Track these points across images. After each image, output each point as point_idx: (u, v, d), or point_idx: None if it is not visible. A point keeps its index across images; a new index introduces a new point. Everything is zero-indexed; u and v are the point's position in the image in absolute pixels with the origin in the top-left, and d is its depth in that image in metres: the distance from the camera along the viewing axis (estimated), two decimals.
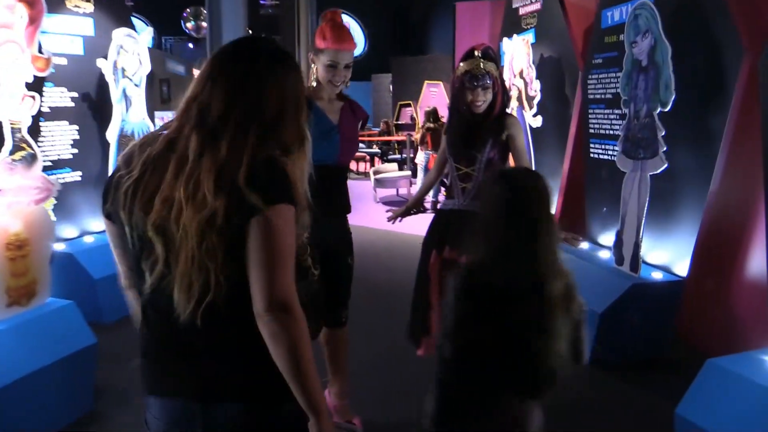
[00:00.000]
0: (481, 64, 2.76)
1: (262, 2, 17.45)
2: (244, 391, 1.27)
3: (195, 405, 1.26)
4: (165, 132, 1.28)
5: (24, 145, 2.97)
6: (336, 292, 2.60)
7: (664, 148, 3.27)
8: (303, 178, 1.30)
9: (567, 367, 1.60)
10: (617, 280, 3.51)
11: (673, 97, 3.20)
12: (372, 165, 12.64)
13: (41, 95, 3.79)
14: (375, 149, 13.44)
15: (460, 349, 1.59)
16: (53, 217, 4.36)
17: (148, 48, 4.71)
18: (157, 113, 10.89)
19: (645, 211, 3.39)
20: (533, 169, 3.07)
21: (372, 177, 9.25)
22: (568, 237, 2.57)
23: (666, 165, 3.28)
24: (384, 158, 12.75)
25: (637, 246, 3.46)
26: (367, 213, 8.27)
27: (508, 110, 3.00)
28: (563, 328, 1.56)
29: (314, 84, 2.62)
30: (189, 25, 17.04)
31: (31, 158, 3.01)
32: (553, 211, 1.80)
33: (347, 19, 14.19)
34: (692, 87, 3.31)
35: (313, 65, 2.60)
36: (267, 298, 1.18)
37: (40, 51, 3.05)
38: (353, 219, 2.77)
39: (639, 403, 3.17)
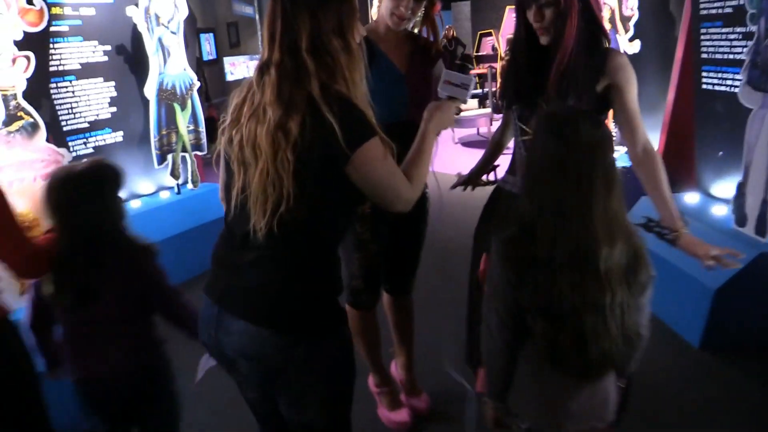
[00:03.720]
0: None
1: None
2: (254, 313, 1.37)
3: (215, 308, 1.43)
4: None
5: (21, 114, 2.61)
6: (404, 259, 2.42)
7: None
8: (368, 106, 1.38)
9: (634, 346, 1.39)
10: (738, 247, 2.74)
11: None
12: None
13: (49, 52, 3.47)
14: None
15: (504, 320, 1.42)
16: None
17: None
18: (226, 59, 10.69)
19: None
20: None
21: None
22: (716, 256, 1.73)
23: None
24: None
25: (765, 204, 2.72)
26: (443, 156, 7.63)
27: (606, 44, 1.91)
28: (631, 300, 1.34)
29: (375, 19, 2.12)
30: None
31: (32, 127, 2.65)
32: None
33: None
34: None
35: None
36: (392, 209, 1.46)
37: (30, 2, 2.64)
38: None
39: (759, 397, 2.54)
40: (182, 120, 4.41)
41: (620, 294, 1.32)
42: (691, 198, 3.51)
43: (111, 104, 4.15)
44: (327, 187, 1.34)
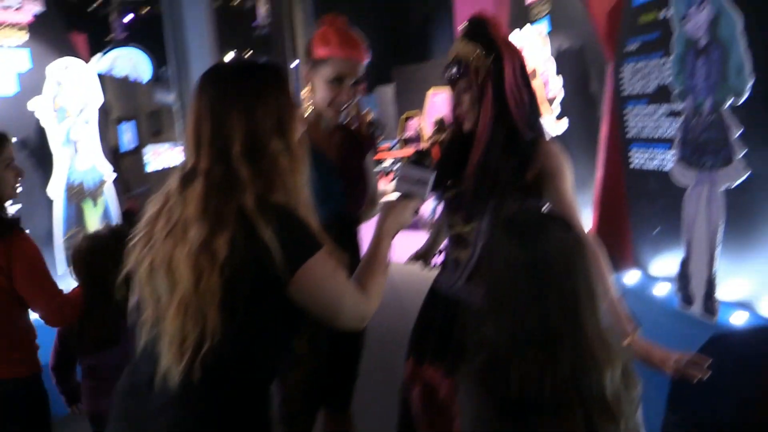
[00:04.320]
0: (459, 46, 1.73)
1: (254, 24, 16.92)
2: None
3: None
4: None
5: None
6: (346, 370, 2.18)
7: (744, 151, 2.44)
8: (311, 213, 1.20)
9: None
10: (688, 330, 2.69)
11: (750, 83, 2.38)
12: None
13: None
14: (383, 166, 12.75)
15: None
16: None
17: (136, 81, 4.05)
18: (148, 147, 10.41)
19: (720, 237, 2.57)
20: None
21: None
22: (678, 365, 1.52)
23: (748, 173, 2.45)
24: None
25: (710, 283, 2.64)
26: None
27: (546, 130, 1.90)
28: (632, 418, 1.13)
29: (307, 108, 1.95)
30: None
31: None
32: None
33: None
34: None
35: (306, 87, 1.95)
36: (346, 328, 1.26)
37: None
38: None
39: None
40: (93, 218, 4.07)
41: (628, 417, 1.12)
42: (631, 277, 3.43)
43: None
44: (263, 317, 1.12)
